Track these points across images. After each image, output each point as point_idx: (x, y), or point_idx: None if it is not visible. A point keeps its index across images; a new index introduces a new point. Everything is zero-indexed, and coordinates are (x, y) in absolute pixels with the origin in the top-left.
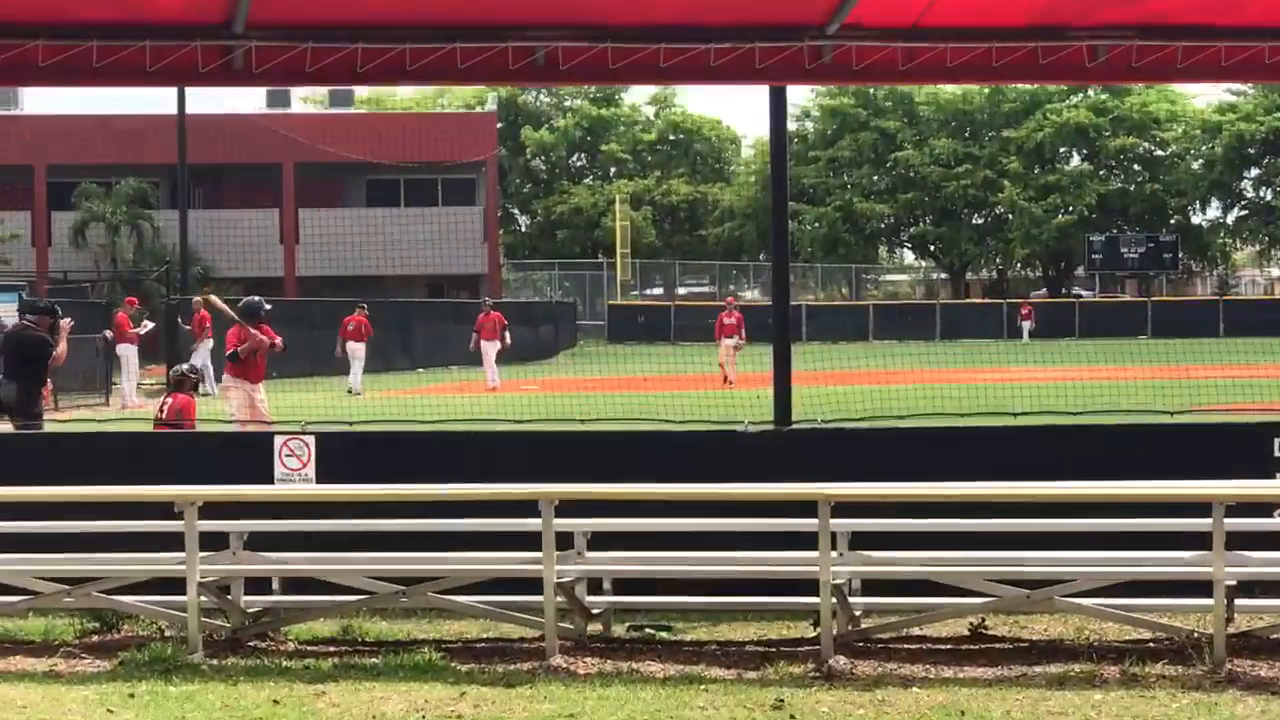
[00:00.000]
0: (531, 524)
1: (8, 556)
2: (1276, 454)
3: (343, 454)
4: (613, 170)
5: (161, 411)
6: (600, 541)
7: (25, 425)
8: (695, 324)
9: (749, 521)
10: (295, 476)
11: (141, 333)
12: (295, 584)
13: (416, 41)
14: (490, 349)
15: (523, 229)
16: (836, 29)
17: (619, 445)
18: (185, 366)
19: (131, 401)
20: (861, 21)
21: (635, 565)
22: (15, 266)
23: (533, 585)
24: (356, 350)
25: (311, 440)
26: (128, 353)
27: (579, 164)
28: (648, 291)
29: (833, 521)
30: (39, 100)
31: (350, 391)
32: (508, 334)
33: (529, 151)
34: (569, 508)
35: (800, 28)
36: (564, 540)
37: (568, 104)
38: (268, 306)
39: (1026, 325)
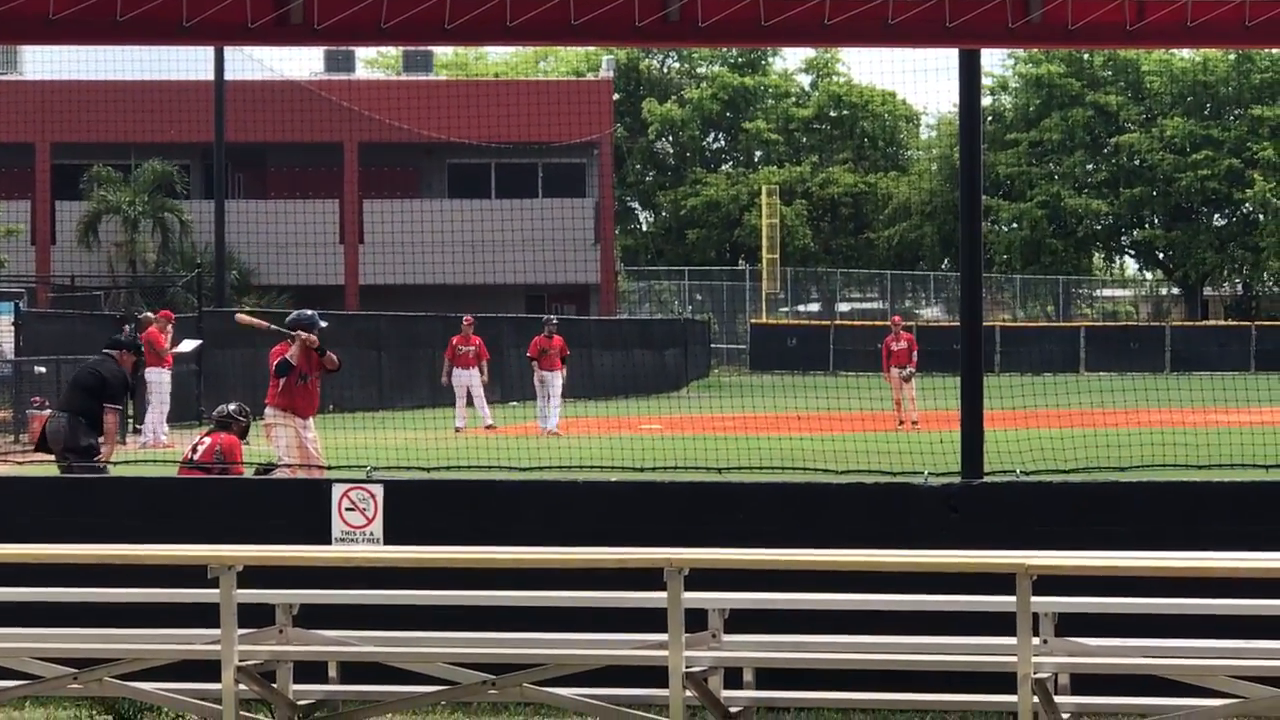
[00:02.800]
0: (655, 598)
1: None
2: None
3: (417, 507)
4: (758, 155)
5: (194, 451)
6: (741, 622)
7: (76, 464)
8: (860, 348)
9: (928, 598)
10: (358, 535)
11: (184, 351)
12: (356, 670)
13: None
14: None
15: (644, 228)
16: None
17: (764, 500)
18: (233, 406)
19: (159, 438)
20: None
21: (784, 652)
22: (11, 270)
23: (656, 675)
24: (471, 378)
25: (379, 490)
26: (159, 378)
27: (716, 146)
28: (801, 308)
29: (1035, 599)
30: (43, 62)
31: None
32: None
33: (652, 130)
34: (702, 578)
35: None
36: (696, 619)
37: (701, 70)
38: (323, 323)
39: None
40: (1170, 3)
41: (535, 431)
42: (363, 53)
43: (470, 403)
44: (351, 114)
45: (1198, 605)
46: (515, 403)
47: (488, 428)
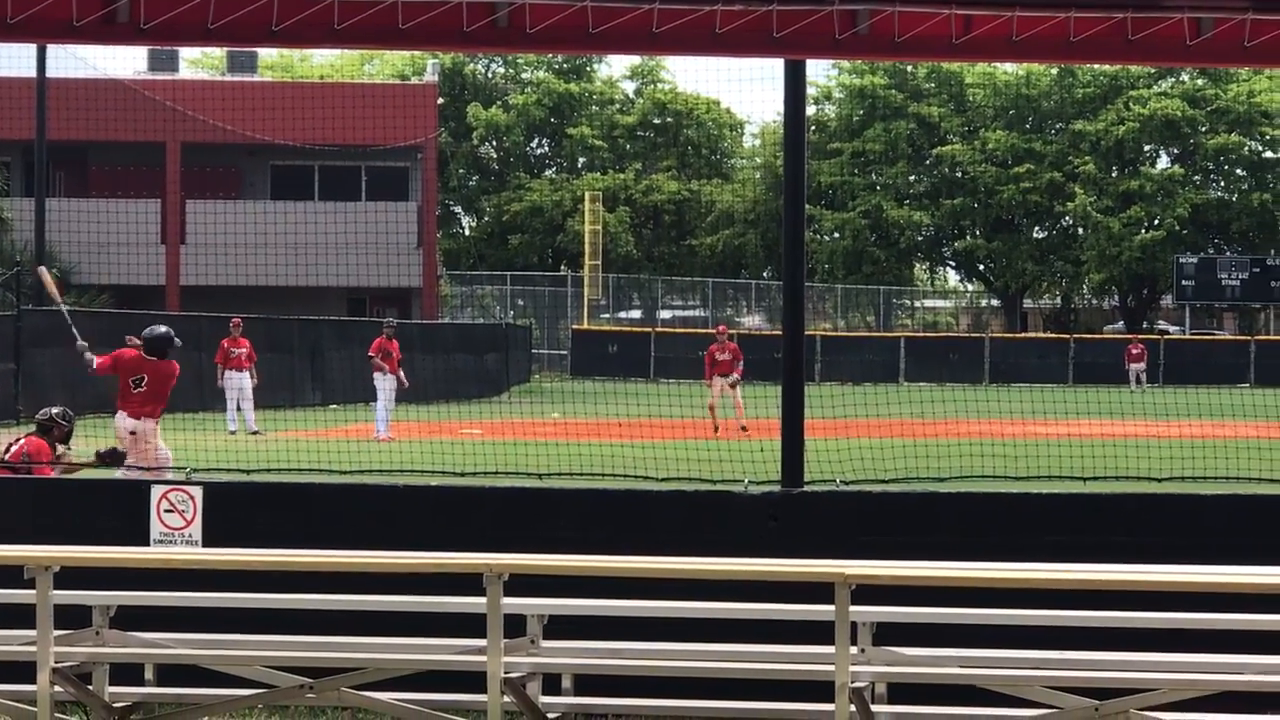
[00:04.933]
0: (474, 604)
1: None
2: None
3: (236, 510)
4: (582, 161)
5: (6, 451)
6: (560, 628)
7: None
8: (682, 356)
9: (747, 606)
10: (176, 537)
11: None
12: (174, 672)
13: None
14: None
15: (467, 232)
16: None
17: (584, 506)
18: (57, 410)
19: None
20: None
21: (602, 659)
22: None
23: (475, 681)
24: (242, 381)
25: (198, 492)
26: None
27: (540, 152)
28: (622, 314)
29: (853, 609)
30: None
31: (231, 433)
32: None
33: (477, 135)
34: (522, 584)
35: None
36: (515, 625)
37: (527, 75)
38: (178, 342)
39: (1136, 368)
40: (996, 17)
41: (358, 434)
42: (187, 52)
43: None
44: (175, 113)
45: (1014, 616)
46: (335, 405)
47: (253, 433)
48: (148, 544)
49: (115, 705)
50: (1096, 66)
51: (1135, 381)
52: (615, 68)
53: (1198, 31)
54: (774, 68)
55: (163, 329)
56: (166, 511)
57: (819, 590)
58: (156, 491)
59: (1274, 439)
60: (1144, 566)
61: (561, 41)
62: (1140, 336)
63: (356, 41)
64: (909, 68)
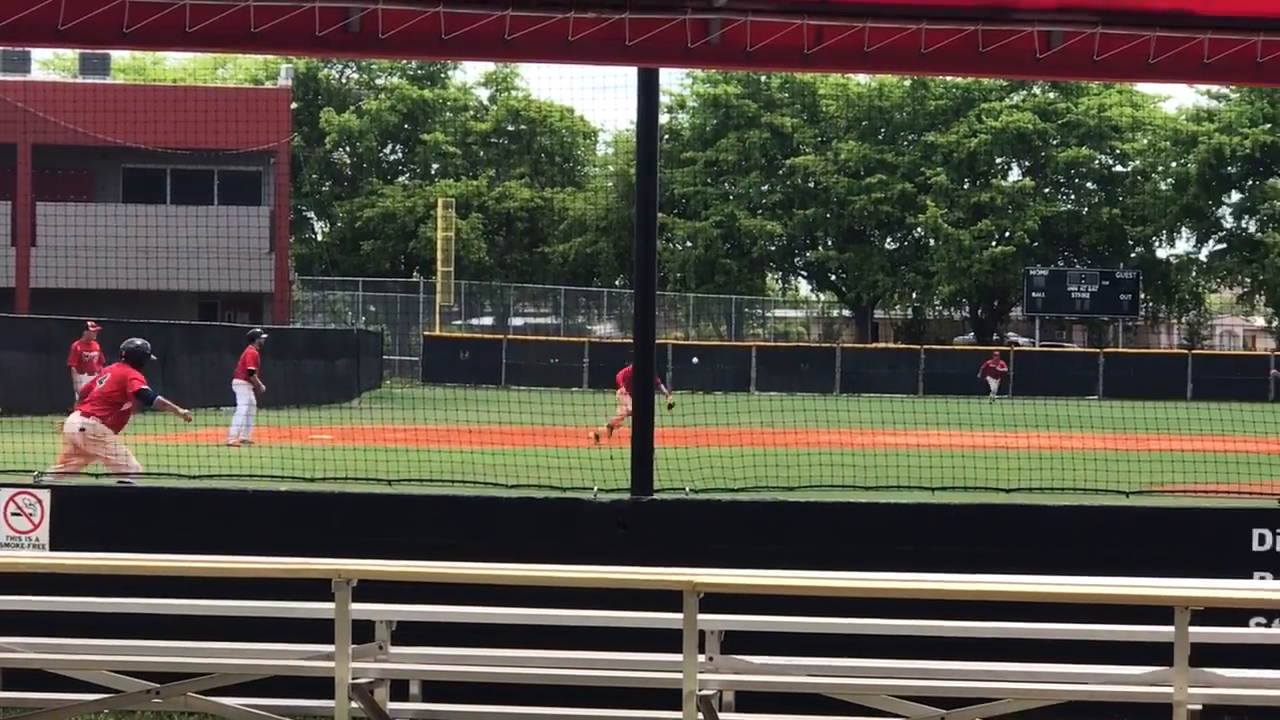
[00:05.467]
0: (323, 609)
1: None
2: (1255, 547)
3: (85, 513)
4: (435, 167)
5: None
6: (409, 634)
7: None
8: (533, 363)
9: (595, 614)
10: (23, 541)
11: None
12: (19, 677)
13: None
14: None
15: (319, 237)
16: (728, 0)
17: (434, 512)
18: (141, 340)
19: None
20: None
21: (450, 665)
22: None
23: (323, 686)
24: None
25: (45, 496)
26: None
27: (393, 158)
28: (474, 321)
29: (701, 617)
30: None
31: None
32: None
33: (330, 140)
34: (370, 590)
35: None
36: (363, 631)
37: (381, 81)
38: (153, 358)
39: (994, 381)
40: (848, 28)
41: (209, 439)
42: (39, 53)
43: None
44: (25, 115)
45: (862, 625)
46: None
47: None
48: None
49: None
50: (949, 78)
51: (993, 394)
52: (470, 74)
53: (1048, 45)
54: (628, 76)
55: (139, 341)
56: (14, 515)
57: (668, 598)
58: (3, 495)
59: (1121, 450)
60: (990, 576)
61: (414, 47)
62: (1003, 348)
63: (208, 45)
64: (762, 77)
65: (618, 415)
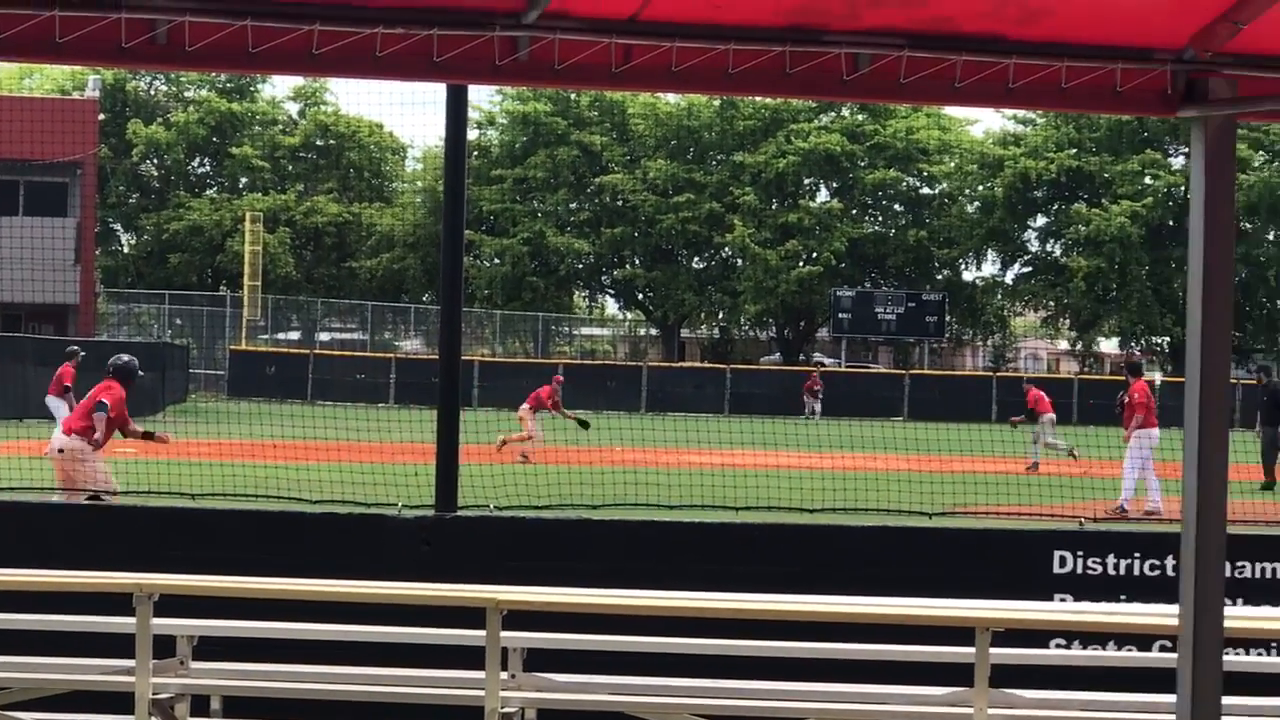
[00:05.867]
0: (124, 624)
1: None
2: (1056, 569)
3: None
4: (243, 181)
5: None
6: (210, 649)
7: None
8: (339, 379)
9: (399, 630)
10: None
11: None
12: None
13: (5, 6)
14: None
15: (126, 250)
16: (536, 17)
17: (237, 527)
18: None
19: None
20: (569, 9)
21: (252, 681)
22: None
23: (123, 702)
24: None
25: None
26: None
27: (201, 171)
28: (281, 335)
29: (504, 634)
30: None
31: None
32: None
33: (137, 152)
34: (172, 605)
35: (491, 13)
36: (165, 646)
37: (190, 94)
38: (140, 374)
39: (814, 402)
40: (655, 47)
41: (10, 451)
42: None
43: None
44: None
45: (666, 644)
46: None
47: None
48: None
49: None
50: (757, 99)
51: (810, 413)
52: (279, 88)
53: (855, 67)
54: (437, 92)
55: (125, 357)
56: None
57: (471, 615)
58: None
59: (924, 471)
60: (793, 596)
61: (221, 60)
62: (822, 369)
63: (12, 54)
64: (572, 95)
65: (521, 433)
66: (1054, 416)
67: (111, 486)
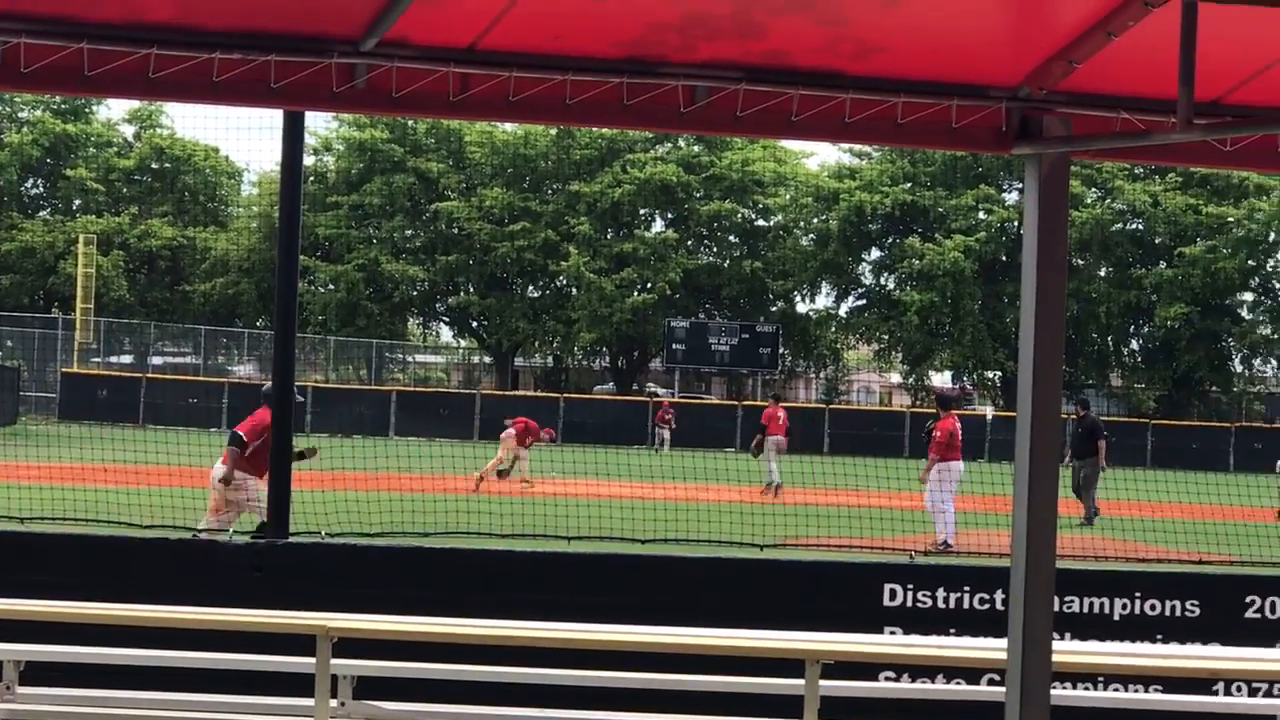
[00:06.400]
0: None
1: None
2: (887, 602)
3: None
4: (77, 203)
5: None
6: (38, 674)
7: None
8: (172, 403)
9: (229, 657)
10: None
11: None
12: None
13: None
14: None
15: None
16: (374, 45)
17: (66, 553)
18: None
19: None
20: (408, 38)
21: (79, 706)
22: None
23: None
24: None
25: None
26: None
27: (35, 192)
28: (114, 359)
29: (334, 662)
30: None
31: None
32: None
33: None
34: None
35: (329, 40)
36: None
37: (25, 114)
38: (300, 398)
39: (664, 432)
40: (493, 77)
41: None
42: None
43: None
44: None
45: (496, 673)
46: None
47: None
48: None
49: None
50: (595, 129)
51: (659, 443)
52: (115, 110)
53: (693, 99)
54: (274, 117)
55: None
56: None
57: (302, 642)
58: None
59: (756, 503)
60: (626, 627)
61: (57, 82)
62: (673, 400)
63: None
64: (409, 123)
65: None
66: (783, 440)
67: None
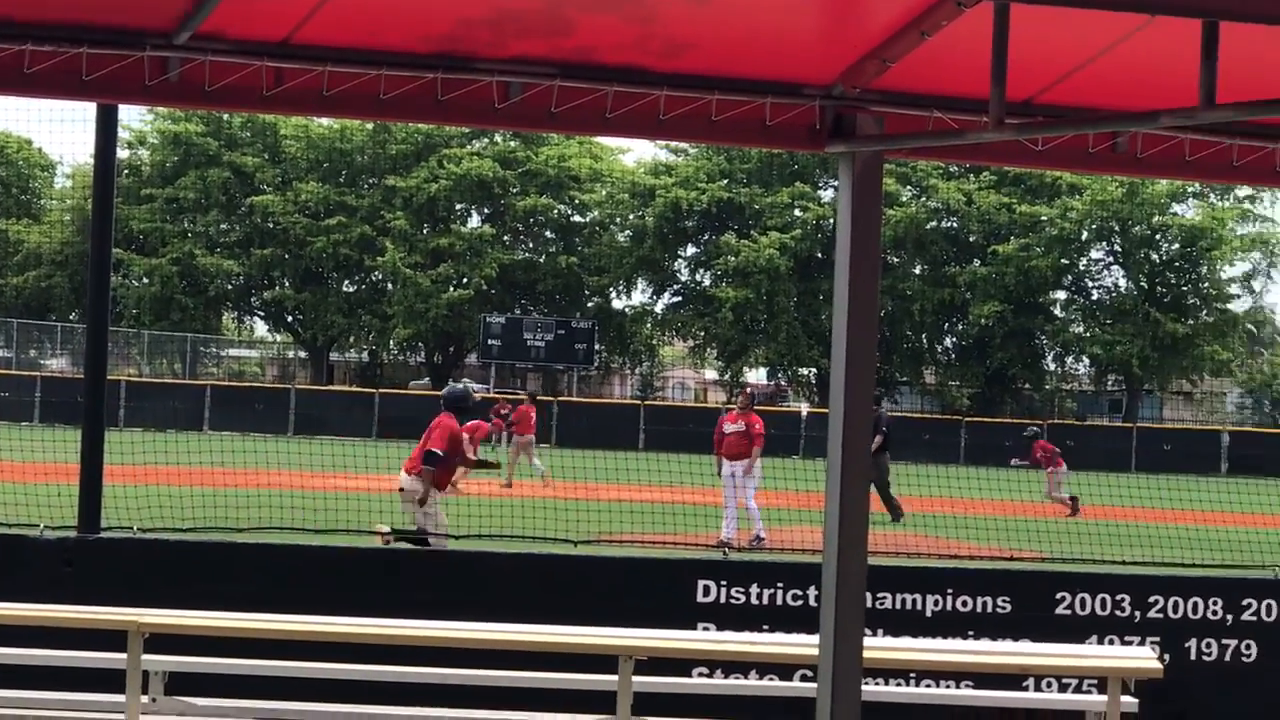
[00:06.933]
0: None
1: None
2: (700, 599)
3: None
4: None
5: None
6: None
7: None
8: None
9: (38, 653)
10: None
11: None
12: None
13: None
14: None
15: None
16: (188, 38)
17: None
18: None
19: None
20: (222, 31)
21: None
22: None
23: None
24: None
25: None
26: None
27: None
28: None
29: (146, 657)
30: None
31: None
32: None
33: None
34: None
35: (141, 32)
36: None
37: None
38: (472, 399)
39: (499, 429)
40: (307, 71)
41: None
42: None
43: None
44: None
45: (307, 669)
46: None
47: None
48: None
49: None
50: (411, 125)
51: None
52: None
53: (507, 95)
54: (89, 109)
55: (459, 387)
56: None
57: (113, 637)
58: None
59: (572, 499)
60: (439, 622)
61: None
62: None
63: None
64: (224, 116)
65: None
66: (532, 438)
67: (441, 529)
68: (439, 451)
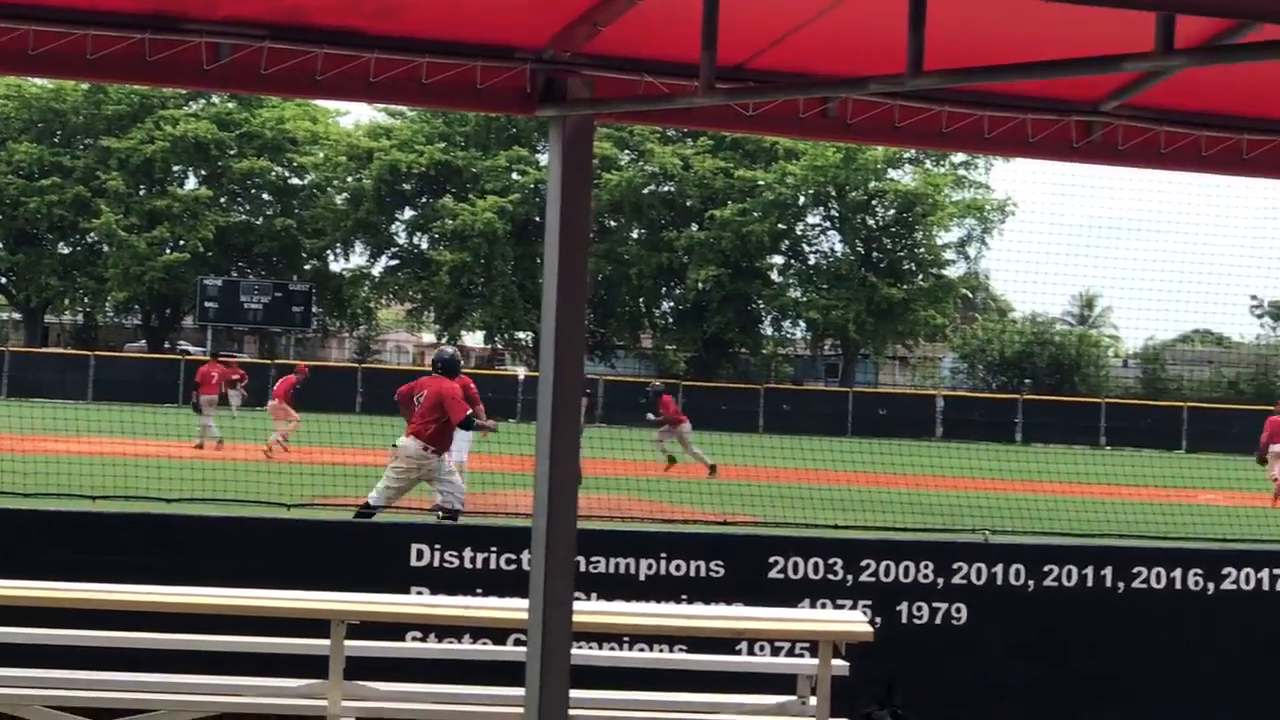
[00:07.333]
0: None
1: None
2: (414, 562)
3: None
4: None
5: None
6: None
7: None
8: None
9: None
10: None
11: None
12: None
13: None
14: None
15: None
16: None
17: None
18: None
19: None
20: None
21: None
22: None
23: None
24: None
25: None
26: None
27: None
28: None
29: None
30: None
31: None
32: None
33: None
34: None
35: None
36: None
37: None
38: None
39: (236, 395)
40: (13, 30)
41: None
42: None
43: None
44: None
45: (17, 634)
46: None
47: None
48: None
49: None
50: (126, 85)
51: (237, 405)
52: None
53: (216, 57)
54: None
55: (449, 351)
56: None
57: None
58: None
59: (285, 462)
60: (148, 587)
61: None
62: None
63: None
64: None
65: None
66: (215, 398)
67: (454, 500)
68: (470, 414)
